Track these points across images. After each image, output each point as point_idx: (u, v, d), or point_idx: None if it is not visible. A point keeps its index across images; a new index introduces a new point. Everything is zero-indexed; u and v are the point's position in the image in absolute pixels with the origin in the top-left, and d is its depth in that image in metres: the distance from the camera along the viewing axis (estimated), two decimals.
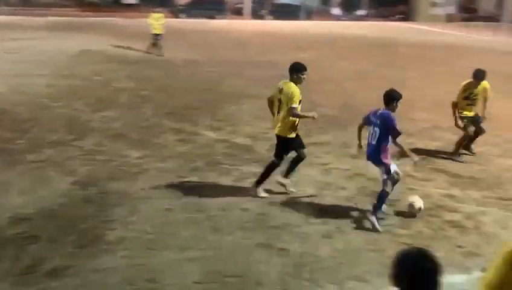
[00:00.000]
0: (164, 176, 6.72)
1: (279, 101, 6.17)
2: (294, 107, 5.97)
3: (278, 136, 6.19)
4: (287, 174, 6.28)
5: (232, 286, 4.44)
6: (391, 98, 5.63)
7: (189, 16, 32.08)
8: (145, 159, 7.36)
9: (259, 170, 6.98)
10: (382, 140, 5.55)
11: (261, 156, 7.57)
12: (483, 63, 17.22)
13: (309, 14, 37.48)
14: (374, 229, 5.44)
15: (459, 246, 5.18)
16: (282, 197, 6.17)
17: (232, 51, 18.50)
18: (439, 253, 4.98)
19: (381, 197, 5.58)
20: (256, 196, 6.15)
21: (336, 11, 39.11)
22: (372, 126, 5.69)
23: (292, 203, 6.03)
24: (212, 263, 4.75)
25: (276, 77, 13.57)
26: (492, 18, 36.22)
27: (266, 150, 7.86)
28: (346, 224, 5.57)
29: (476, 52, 19.80)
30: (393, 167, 5.65)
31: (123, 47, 18.11)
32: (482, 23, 35.50)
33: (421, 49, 20.77)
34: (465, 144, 8.09)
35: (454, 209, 6.06)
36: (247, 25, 30.10)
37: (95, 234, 5.18)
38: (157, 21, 16.85)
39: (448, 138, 8.86)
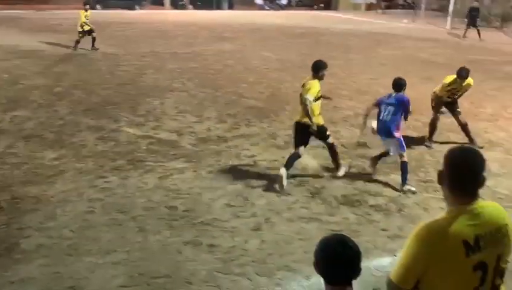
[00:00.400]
0: (83, 177, 6.37)
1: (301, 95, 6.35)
2: (308, 98, 6.15)
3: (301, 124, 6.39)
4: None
5: (160, 287, 4.27)
6: (402, 84, 6.70)
7: (106, 7, 30.84)
8: (62, 160, 6.94)
9: (185, 165, 6.83)
10: (398, 117, 6.44)
11: (187, 151, 7.39)
12: (402, 50, 18.07)
13: (231, 4, 37.31)
14: (412, 192, 6.20)
15: (384, 230, 5.30)
16: (210, 194, 6.03)
17: (153, 43, 17.99)
18: (366, 237, 5.11)
19: (405, 168, 6.36)
20: (180, 194, 5.98)
21: (259, 0, 39.19)
22: (384, 106, 6.52)
23: (220, 198, 5.91)
24: (138, 265, 4.54)
25: (200, 69, 13.52)
26: (410, 5, 37.80)
27: (192, 144, 7.69)
28: (275, 215, 5.53)
29: (395, 39, 20.56)
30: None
31: (36, 41, 17.07)
32: (400, 10, 37.01)
33: (342, 37, 21.26)
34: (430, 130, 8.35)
35: (378, 194, 6.20)
36: (168, 15, 29.45)
37: (9, 244, 4.80)
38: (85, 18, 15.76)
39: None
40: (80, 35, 15.57)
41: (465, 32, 21.02)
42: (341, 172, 6.71)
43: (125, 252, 4.73)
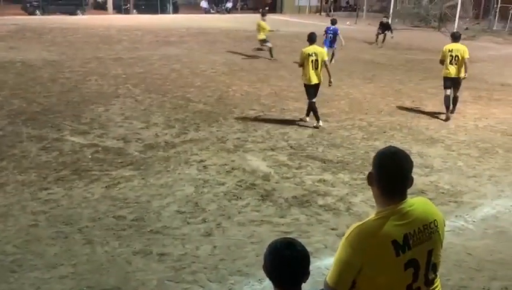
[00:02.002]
0: (26, 190, 6.11)
1: (316, 61, 8.92)
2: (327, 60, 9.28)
3: (318, 84, 9.13)
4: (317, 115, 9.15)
5: None
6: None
7: (46, 12, 29.81)
8: (3, 172, 6.62)
9: (132, 173, 6.69)
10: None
11: (134, 159, 7.24)
12: (346, 51, 18.46)
13: (176, 8, 36.97)
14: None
15: (334, 229, 5.38)
16: (159, 201, 5.93)
17: (96, 48, 17.55)
18: (316, 237, 5.18)
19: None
20: (128, 203, 5.85)
21: (204, 4, 39.05)
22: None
23: (169, 205, 5.82)
24: (86, 278, 4.40)
25: (146, 74, 13.30)
26: (352, 7, 38.79)
27: (139, 151, 7.54)
28: (226, 220, 5.50)
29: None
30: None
31: None
32: (343, 12, 37.89)
33: (288, 40, 21.51)
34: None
35: (327, 194, 6.29)
36: (111, 20, 28.85)
37: None
38: None
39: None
40: None
41: (377, 38, 21.49)
42: (320, 123, 9.06)
43: (72, 266, 4.57)
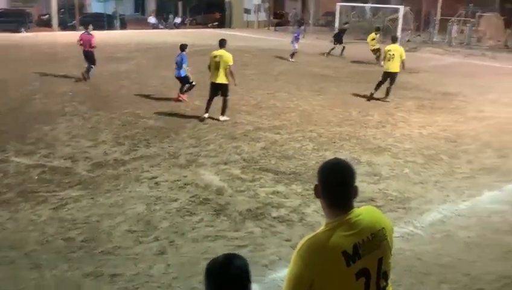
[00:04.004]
0: None
1: (218, 63, 9.98)
2: (231, 64, 10.05)
3: (219, 84, 10.15)
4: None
5: None
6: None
7: None
8: None
9: (81, 193, 6.51)
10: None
11: (82, 178, 7.04)
12: (295, 65, 18.75)
13: (124, 24, 36.47)
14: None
15: (288, 240, 5.41)
16: (109, 221, 5.79)
17: (42, 66, 17.03)
18: (271, 250, 5.20)
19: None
20: (77, 223, 5.68)
21: (152, 19, 38.72)
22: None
23: (120, 225, 5.69)
24: None
25: (93, 91, 13.01)
26: (299, 22, 39.46)
27: (87, 170, 7.34)
28: (179, 237, 5.43)
29: (286, 54, 21.30)
30: None
31: None
32: (291, 27, 38.49)
33: (238, 54, 21.57)
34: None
35: (280, 205, 6.34)
36: (56, 37, 28.14)
37: None
38: None
39: (270, 136, 9.32)
40: None
41: (330, 51, 22.08)
42: (224, 117, 10.18)
43: None
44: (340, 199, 2.22)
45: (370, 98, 12.83)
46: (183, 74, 11.95)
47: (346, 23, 25.41)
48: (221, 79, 10.14)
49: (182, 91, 12.28)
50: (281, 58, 20.90)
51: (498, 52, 25.01)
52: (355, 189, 2.25)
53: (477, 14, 29.67)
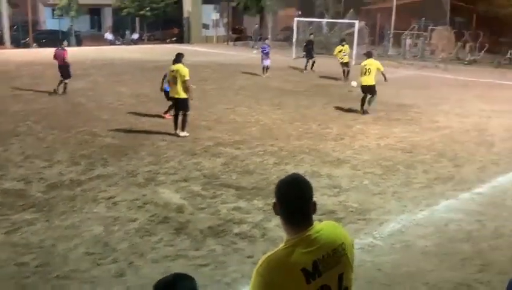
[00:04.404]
0: None
1: (174, 78, 9.99)
2: (187, 79, 9.97)
3: (177, 98, 10.17)
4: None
5: None
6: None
7: None
8: None
9: (35, 216, 6.28)
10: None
11: (36, 200, 6.79)
12: (254, 79, 18.85)
13: (79, 40, 35.85)
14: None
15: (250, 257, 5.36)
16: (65, 244, 5.59)
17: None
18: (233, 267, 5.14)
19: None
20: (31, 248, 5.47)
21: (109, 35, 38.25)
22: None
23: (77, 247, 5.51)
24: None
25: (48, 110, 12.66)
26: (263, 37, 39.81)
27: (42, 192, 7.10)
28: (138, 258, 5.30)
29: (247, 69, 21.43)
30: None
31: None
32: (250, 42, 38.79)
33: (197, 69, 21.54)
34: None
35: (242, 221, 6.29)
36: (9, 55, 27.37)
37: None
38: None
39: (231, 152, 9.29)
40: None
41: (306, 65, 22.37)
42: (184, 133, 10.13)
43: None
44: (298, 215, 2.20)
45: (363, 112, 13.13)
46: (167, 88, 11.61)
47: (311, 34, 25.65)
48: (178, 94, 10.11)
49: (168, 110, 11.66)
50: (241, 72, 20.99)
51: (450, 64, 25.91)
52: (314, 204, 2.23)
53: (430, 27, 30.72)
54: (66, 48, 15.55)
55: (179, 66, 10.10)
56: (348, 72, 19.26)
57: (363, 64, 13.29)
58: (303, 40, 28.17)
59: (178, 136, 10.15)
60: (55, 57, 15.27)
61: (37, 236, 5.74)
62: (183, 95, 10.12)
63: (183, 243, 5.65)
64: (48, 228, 5.95)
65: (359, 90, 13.56)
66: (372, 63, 13.17)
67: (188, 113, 10.34)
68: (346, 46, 19.83)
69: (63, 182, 7.53)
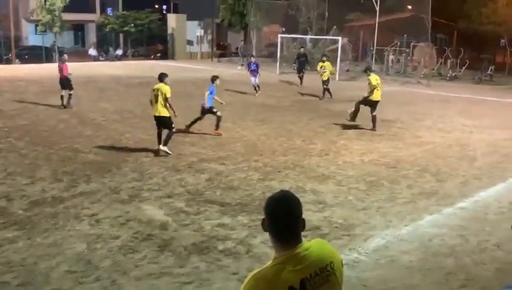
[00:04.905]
0: None
1: (156, 96, 9.92)
2: (169, 97, 9.94)
3: (159, 116, 10.09)
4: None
5: None
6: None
7: None
8: None
9: (16, 233, 6.18)
10: None
11: (18, 218, 6.68)
12: (239, 96, 18.90)
13: (62, 56, 35.67)
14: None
15: (235, 273, 5.33)
16: (47, 262, 5.50)
17: None
18: (217, 284, 5.10)
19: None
20: (13, 266, 5.36)
21: (93, 51, 38.12)
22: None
23: (59, 265, 5.41)
24: None
25: (30, 126, 12.53)
26: (242, 53, 40.13)
27: (24, 209, 6.98)
28: (121, 276, 5.22)
29: (231, 85, 21.47)
30: None
31: None
32: (233, 58, 39.00)
33: (182, 85, 21.57)
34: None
35: (227, 238, 6.25)
36: None
37: None
38: None
39: (215, 167, 9.26)
40: None
41: (302, 80, 22.26)
42: (165, 148, 9.99)
43: None
44: (287, 232, 2.20)
45: (374, 128, 13.12)
46: (209, 104, 11.93)
47: (302, 47, 25.67)
48: (159, 112, 9.99)
49: (217, 127, 12.22)
50: (224, 89, 21.02)
51: (432, 80, 26.31)
52: (303, 221, 2.23)
53: (412, 44, 31.21)
54: (65, 62, 16.07)
55: (160, 85, 10.00)
56: (325, 90, 18.80)
57: (379, 82, 13.32)
58: (288, 56, 28.38)
59: (158, 150, 10.05)
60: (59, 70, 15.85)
61: (18, 254, 5.64)
62: (164, 113, 9.99)
63: (167, 261, 5.60)
64: (29, 246, 5.85)
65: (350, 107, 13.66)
66: (378, 78, 13.44)
67: (173, 130, 10.22)
68: (328, 63, 19.15)
69: (46, 199, 7.43)
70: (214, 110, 12.06)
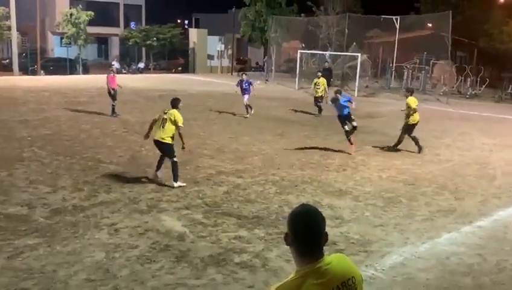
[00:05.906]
0: None
1: (164, 120, 8.95)
2: (181, 126, 8.95)
3: (159, 142, 9.02)
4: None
5: None
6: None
7: None
8: None
9: (37, 241, 6.31)
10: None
11: (39, 225, 6.82)
12: (257, 109, 19.02)
13: (86, 68, 36.40)
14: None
15: (250, 287, 5.36)
16: (66, 270, 5.60)
17: (0, 111, 16.69)
18: None
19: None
20: (33, 273, 5.47)
21: (116, 64, 38.78)
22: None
23: (78, 273, 5.51)
24: None
25: (53, 136, 12.80)
26: (261, 67, 40.53)
27: (45, 217, 7.13)
28: (139, 285, 5.29)
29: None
30: None
31: None
32: (253, 72, 39.32)
33: (201, 99, 21.83)
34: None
35: (243, 250, 6.29)
36: (16, 81, 27.76)
37: None
38: None
39: (233, 180, 9.33)
40: None
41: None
42: (178, 183, 8.92)
43: None
44: (310, 246, 2.22)
45: (420, 150, 12.62)
46: (346, 112, 12.12)
47: (326, 62, 25.44)
48: (163, 138, 8.89)
49: (348, 138, 12.30)
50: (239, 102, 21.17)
51: (451, 98, 26.12)
52: (326, 236, 2.26)
53: (431, 61, 31.10)
54: (113, 74, 16.80)
55: (173, 111, 8.99)
56: (320, 108, 18.41)
57: (417, 102, 12.84)
58: (307, 71, 28.43)
59: (172, 187, 8.85)
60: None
61: (38, 261, 5.76)
62: (168, 140, 8.91)
63: (184, 272, 5.65)
64: (49, 254, 5.96)
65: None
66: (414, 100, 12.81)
67: (176, 160, 8.97)
68: (322, 79, 18.54)
69: (66, 207, 7.57)
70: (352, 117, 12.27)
